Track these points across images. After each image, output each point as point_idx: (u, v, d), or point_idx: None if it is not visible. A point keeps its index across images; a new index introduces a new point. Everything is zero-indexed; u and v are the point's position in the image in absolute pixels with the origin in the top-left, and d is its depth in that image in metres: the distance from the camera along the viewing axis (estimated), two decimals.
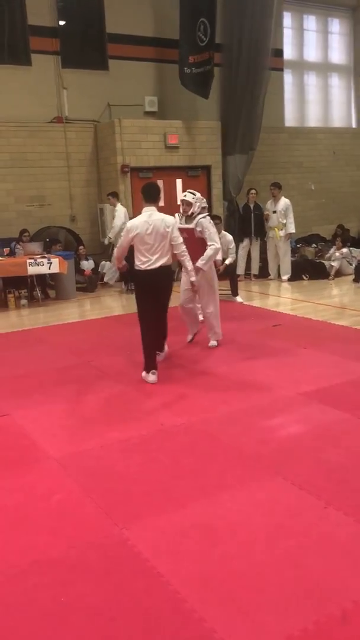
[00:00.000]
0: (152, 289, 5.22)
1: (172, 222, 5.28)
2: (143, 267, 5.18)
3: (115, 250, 4.88)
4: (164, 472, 3.62)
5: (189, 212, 6.00)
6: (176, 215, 6.16)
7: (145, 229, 5.10)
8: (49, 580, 2.65)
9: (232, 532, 2.97)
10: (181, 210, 6.09)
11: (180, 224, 5.97)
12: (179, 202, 6.34)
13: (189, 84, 11.60)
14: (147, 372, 5.27)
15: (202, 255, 6.00)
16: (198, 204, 6.01)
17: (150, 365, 5.29)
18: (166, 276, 5.32)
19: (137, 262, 5.20)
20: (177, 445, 3.98)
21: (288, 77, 14.39)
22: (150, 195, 5.28)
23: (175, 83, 11.81)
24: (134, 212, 11.56)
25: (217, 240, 6.12)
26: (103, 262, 11.27)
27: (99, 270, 11.13)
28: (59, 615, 2.44)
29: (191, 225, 6.03)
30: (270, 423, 4.33)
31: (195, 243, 5.96)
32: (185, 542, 2.91)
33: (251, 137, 12.39)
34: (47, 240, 10.65)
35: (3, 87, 10.82)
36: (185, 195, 6.07)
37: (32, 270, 9.17)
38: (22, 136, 10.99)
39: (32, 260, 9.14)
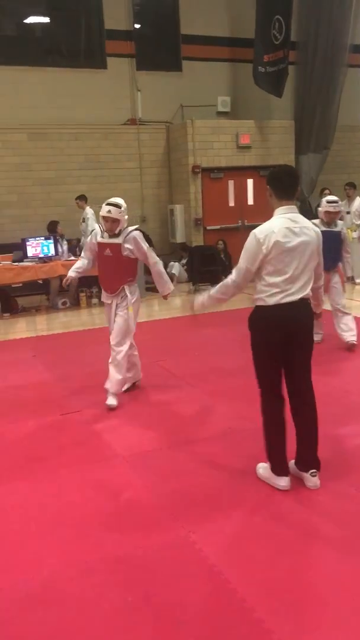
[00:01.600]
0: (287, 336, 3.28)
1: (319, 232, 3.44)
2: (272, 300, 3.24)
3: (234, 279, 3.36)
4: (232, 476, 3.58)
5: (117, 231, 4.71)
6: (96, 226, 5.08)
7: (287, 241, 3.21)
8: (116, 579, 2.68)
9: (302, 542, 2.90)
10: (104, 228, 4.74)
11: (102, 237, 4.81)
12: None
13: (263, 83, 11.49)
14: (278, 474, 3.41)
15: (131, 277, 4.82)
16: (126, 217, 4.75)
17: (280, 467, 3.41)
18: (308, 316, 3.39)
19: (260, 294, 3.30)
20: (245, 450, 3.92)
21: None
22: (289, 188, 3.31)
23: (249, 83, 11.72)
24: (204, 215, 11.59)
25: (155, 256, 4.94)
26: (172, 263, 11.34)
27: (168, 270, 11.20)
28: (126, 614, 2.45)
29: (117, 240, 4.72)
30: (341, 431, 4.19)
31: (121, 263, 4.75)
32: (253, 548, 2.86)
33: (326, 136, 12.14)
34: None
35: (79, 91, 11.09)
36: (109, 211, 4.62)
37: None
38: (96, 138, 11.24)
39: None
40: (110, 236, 4.75)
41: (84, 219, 10.13)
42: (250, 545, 2.89)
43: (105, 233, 4.78)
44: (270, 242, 3.19)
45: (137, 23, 11.63)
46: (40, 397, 5.22)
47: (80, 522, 3.15)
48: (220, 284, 3.45)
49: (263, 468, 3.52)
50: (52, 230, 9.73)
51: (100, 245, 4.81)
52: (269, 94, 11.56)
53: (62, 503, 3.37)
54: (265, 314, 3.29)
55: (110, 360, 4.86)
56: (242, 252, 3.30)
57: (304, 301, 3.30)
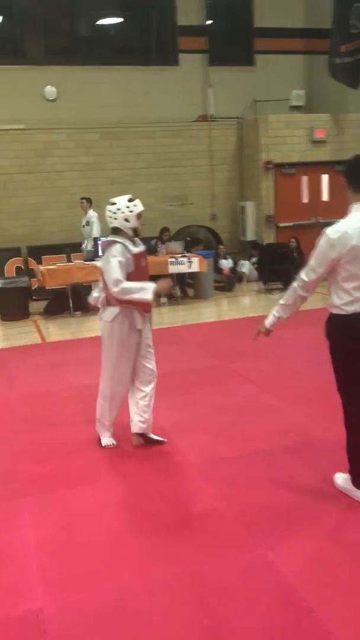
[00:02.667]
0: None
1: None
2: (350, 309, 2.98)
3: (301, 283, 3.11)
4: (310, 489, 3.36)
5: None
6: (115, 242, 3.87)
7: None
8: (190, 598, 2.53)
9: None
10: (139, 227, 3.95)
11: (135, 247, 3.91)
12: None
13: (339, 74, 11.05)
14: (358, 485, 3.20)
15: None
16: None
17: None
18: None
19: (336, 301, 3.04)
20: (323, 461, 3.69)
21: None
22: None
23: (324, 75, 11.31)
24: (277, 212, 11.29)
25: None
26: (242, 261, 11.13)
27: (238, 269, 10.99)
28: (201, 639, 2.30)
29: (143, 248, 4.05)
30: None
31: (148, 273, 4.14)
32: (336, 571, 2.64)
33: None
34: (188, 239, 10.71)
35: (151, 88, 11.07)
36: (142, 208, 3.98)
37: (173, 269, 9.26)
38: (167, 136, 11.17)
39: (173, 259, 9.24)
40: (136, 245, 3.95)
41: (87, 222, 9.68)
42: (332, 567, 2.68)
43: (128, 242, 3.89)
44: (344, 245, 2.90)
45: (210, 18, 11.47)
46: None
47: (152, 533, 3.03)
48: (289, 289, 3.21)
49: (342, 478, 3.31)
50: None
51: (138, 256, 3.93)
52: (345, 86, 11.11)
53: (132, 512, 3.27)
54: (343, 323, 3.02)
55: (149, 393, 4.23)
56: (313, 253, 3.05)
57: None
